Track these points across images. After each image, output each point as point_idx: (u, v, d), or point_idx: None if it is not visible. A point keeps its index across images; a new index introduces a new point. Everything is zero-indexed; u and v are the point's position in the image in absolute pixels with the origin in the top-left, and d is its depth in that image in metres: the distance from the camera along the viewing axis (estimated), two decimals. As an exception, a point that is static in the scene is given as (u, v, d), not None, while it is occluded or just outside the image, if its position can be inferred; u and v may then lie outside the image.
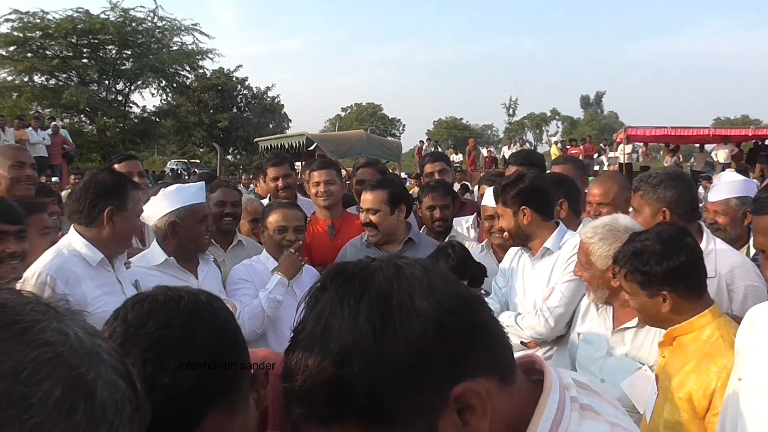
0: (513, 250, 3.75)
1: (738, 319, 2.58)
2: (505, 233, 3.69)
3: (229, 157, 44.11)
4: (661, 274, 2.36)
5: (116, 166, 4.66)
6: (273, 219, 3.88)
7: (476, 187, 13.26)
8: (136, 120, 36.37)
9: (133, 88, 36.08)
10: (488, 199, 4.18)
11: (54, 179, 17.34)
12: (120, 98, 35.81)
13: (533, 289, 3.54)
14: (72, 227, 3.16)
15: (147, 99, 49.33)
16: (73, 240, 3.08)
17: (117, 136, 33.90)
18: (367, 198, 4.05)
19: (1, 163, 4.18)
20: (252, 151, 45.26)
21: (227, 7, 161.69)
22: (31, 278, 2.86)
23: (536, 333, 3.38)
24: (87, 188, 3.17)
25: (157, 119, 38.40)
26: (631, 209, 3.56)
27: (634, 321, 2.81)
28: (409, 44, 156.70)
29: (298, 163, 14.86)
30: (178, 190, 3.64)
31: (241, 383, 1.35)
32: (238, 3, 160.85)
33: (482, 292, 3.90)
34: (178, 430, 1.23)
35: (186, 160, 40.89)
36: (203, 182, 3.90)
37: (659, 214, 3.29)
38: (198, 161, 43.02)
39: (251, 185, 18.91)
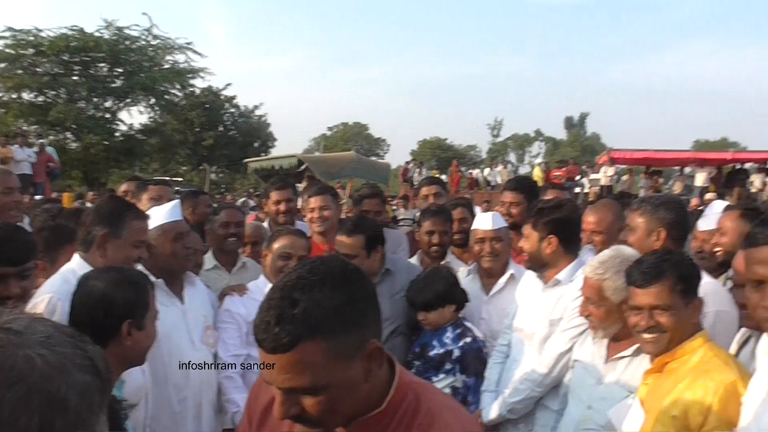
0: (529, 276, 3.83)
1: None
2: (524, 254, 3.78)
3: (213, 175, 43.95)
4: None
5: (150, 187, 4.74)
6: (279, 245, 3.92)
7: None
8: (121, 138, 36.17)
9: (121, 105, 35.89)
10: (479, 223, 4.27)
11: (37, 197, 17.25)
12: (107, 116, 35.61)
13: (535, 318, 3.62)
14: (76, 254, 3.22)
15: (134, 116, 49.44)
16: (77, 266, 3.12)
17: (101, 154, 33.65)
18: (344, 242, 4.06)
19: None
20: (235, 170, 45.14)
21: (219, 23, 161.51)
22: (40, 303, 2.91)
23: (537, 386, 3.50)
24: (88, 214, 3.28)
25: (143, 137, 38.16)
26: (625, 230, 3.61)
27: (630, 350, 2.89)
28: (395, 64, 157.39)
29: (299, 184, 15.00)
30: (151, 212, 3.68)
31: None
32: (228, 18, 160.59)
33: (460, 316, 4.05)
34: None
35: (168, 178, 40.66)
36: (178, 201, 3.92)
37: (654, 233, 3.36)
38: (181, 179, 42.84)
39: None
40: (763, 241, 1.93)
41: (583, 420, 3.00)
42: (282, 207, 5.25)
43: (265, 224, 5.51)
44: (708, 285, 2.93)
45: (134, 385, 2.82)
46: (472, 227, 4.39)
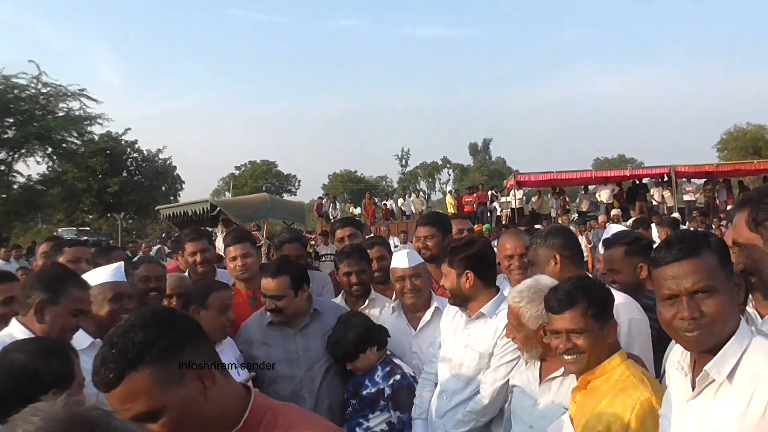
0: (451, 309, 3.95)
1: (639, 360, 2.96)
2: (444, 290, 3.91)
3: (122, 222, 42.73)
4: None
5: (66, 249, 4.64)
6: (216, 300, 3.98)
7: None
8: (20, 189, 34.64)
9: (16, 156, 34.39)
10: (396, 262, 4.40)
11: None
12: (2, 168, 34.02)
13: (462, 349, 3.75)
14: (14, 318, 3.21)
15: (32, 167, 47.37)
16: (14, 330, 3.11)
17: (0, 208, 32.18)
18: (270, 285, 4.08)
19: None
20: (145, 216, 44.10)
21: (112, 69, 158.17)
22: None
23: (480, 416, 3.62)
24: (30, 278, 3.30)
25: (44, 188, 36.67)
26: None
27: (561, 371, 3.06)
28: (295, 101, 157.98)
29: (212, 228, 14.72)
30: (94, 272, 3.74)
31: None
32: (123, 65, 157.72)
33: (388, 352, 4.17)
34: None
35: (75, 228, 39.31)
36: (122, 263, 3.93)
37: (551, 260, 3.63)
38: (88, 228, 41.41)
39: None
40: (668, 260, 2.10)
41: None
42: (198, 258, 5.22)
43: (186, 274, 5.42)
44: (618, 298, 3.16)
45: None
46: (391, 266, 4.49)
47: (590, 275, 3.83)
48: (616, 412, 2.57)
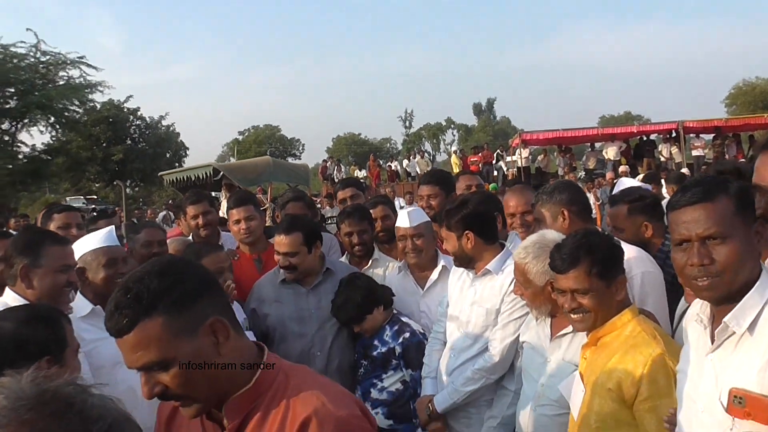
0: (457, 270, 3.90)
1: (652, 316, 2.88)
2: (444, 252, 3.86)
3: (128, 190, 42.71)
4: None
5: (55, 216, 4.60)
6: (207, 263, 3.84)
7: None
8: (25, 160, 34.55)
9: (19, 126, 34.23)
10: (401, 221, 4.30)
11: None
12: (6, 138, 33.89)
13: (469, 306, 3.71)
14: (7, 288, 3.15)
15: (36, 137, 47.10)
16: (9, 299, 3.05)
17: (5, 179, 32.09)
18: (283, 242, 4.06)
19: None
20: (151, 183, 44.09)
21: (112, 36, 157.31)
22: None
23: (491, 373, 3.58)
24: (7, 248, 3.21)
25: (48, 157, 36.55)
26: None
27: (570, 327, 2.98)
28: (300, 64, 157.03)
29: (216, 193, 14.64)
30: (87, 236, 3.69)
31: None
32: (122, 31, 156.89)
33: (395, 311, 4.12)
34: None
35: (83, 197, 39.37)
36: (113, 227, 3.86)
37: (559, 215, 3.56)
38: (95, 197, 41.46)
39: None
40: (681, 204, 2.01)
41: (537, 397, 3.12)
42: (200, 221, 5.09)
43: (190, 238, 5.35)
44: (630, 251, 3.08)
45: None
46: (396, 225, 4.41)
47: (599, 229, 3.75)
48: (627, 368, 2.50)
